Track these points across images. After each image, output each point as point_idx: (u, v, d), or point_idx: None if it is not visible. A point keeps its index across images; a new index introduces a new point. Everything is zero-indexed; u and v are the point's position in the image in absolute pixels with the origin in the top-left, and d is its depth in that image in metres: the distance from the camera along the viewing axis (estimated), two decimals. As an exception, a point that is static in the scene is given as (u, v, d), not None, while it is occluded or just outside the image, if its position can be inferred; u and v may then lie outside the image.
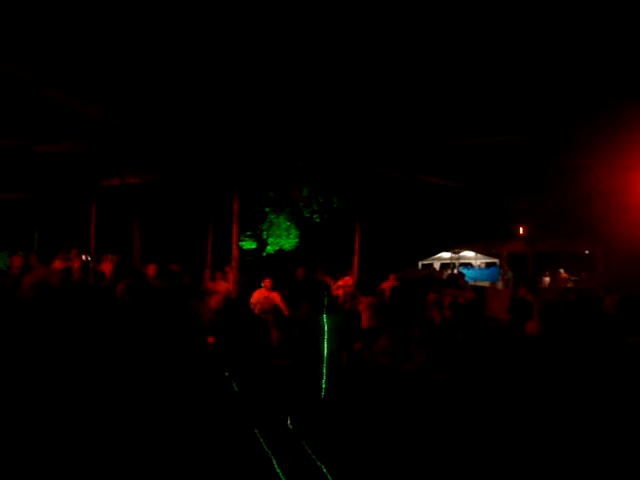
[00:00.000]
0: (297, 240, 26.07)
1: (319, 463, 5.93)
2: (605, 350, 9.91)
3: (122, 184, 14.83)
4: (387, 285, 13.70)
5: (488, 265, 32.04)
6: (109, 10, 11.78)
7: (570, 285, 23.46)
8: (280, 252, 26.03)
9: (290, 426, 6.76)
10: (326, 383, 7.24)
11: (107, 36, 11.93)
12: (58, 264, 10.99)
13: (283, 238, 25.90)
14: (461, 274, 17.97)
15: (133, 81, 12.93)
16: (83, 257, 14.81)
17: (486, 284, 25.00)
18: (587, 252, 26.21)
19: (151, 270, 10.84)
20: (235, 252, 13.86)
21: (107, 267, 14.12)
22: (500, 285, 25.02)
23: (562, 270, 26.45)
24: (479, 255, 32.44)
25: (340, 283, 14.02)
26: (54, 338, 7.10)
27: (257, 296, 12.36)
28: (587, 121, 13.29)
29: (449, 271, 28.21)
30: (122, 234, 21.02)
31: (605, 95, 12.91)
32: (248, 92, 14.41)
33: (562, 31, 13.55)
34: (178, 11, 12.74)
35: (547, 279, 26.08)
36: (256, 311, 12.09)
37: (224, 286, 14.21)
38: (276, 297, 11.83)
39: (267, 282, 12.20)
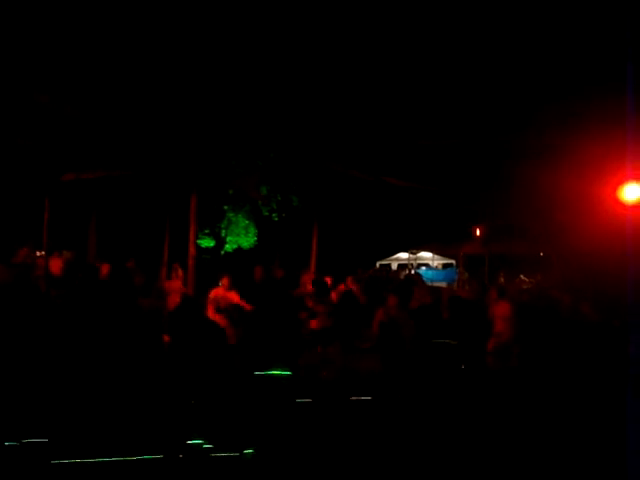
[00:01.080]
0: (256, 239, 25.96)
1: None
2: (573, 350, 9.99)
3: (77, 179, 14.58)
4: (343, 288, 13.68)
5: (445, 266, 32.40)
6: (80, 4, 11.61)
7: (526, 287, 23.79)
8: (238, 250, 25.89)
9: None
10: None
11: (67, 25, 11.74)
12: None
13: (242, 236, 25.74)
14: (418, 275, 18.10)
15: (94, 75, 12.73)
16: (38, 253, 14.49)
17: (443, 285, 25.24)
18: (542, 254, 26.65)
19: (105, 269, 10.73)
20: (192, 250, 13.75)
21: (56, 263, 13.83)
22: (456, 286, 25.28)
23: (522, 275, 26.82)
24: (436, 256, 32.78)
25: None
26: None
27: (215, 293, 12.29)
28: (543, 124, 13.51)
29: (406, 271, 28.43)
30: (77, 231, 20.66)
31: (560, 98, 13.13)
32: (208, 89, 14.31)
33: (514, 33, 13.76)
34: (144, 5, 12.61)
35: (502, 280, 26.43)
36: (212, 309, 12.02)
37: (179, 284, 14.10)
38: (234, 296, 11.77)
39: (225, 280, 12.13)
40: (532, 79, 14.26)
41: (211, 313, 11.68)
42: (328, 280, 13.82)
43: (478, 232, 24.43)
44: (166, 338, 9.09)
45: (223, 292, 11.96)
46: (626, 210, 6.87)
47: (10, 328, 6.98)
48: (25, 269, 10.95)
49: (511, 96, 14.86)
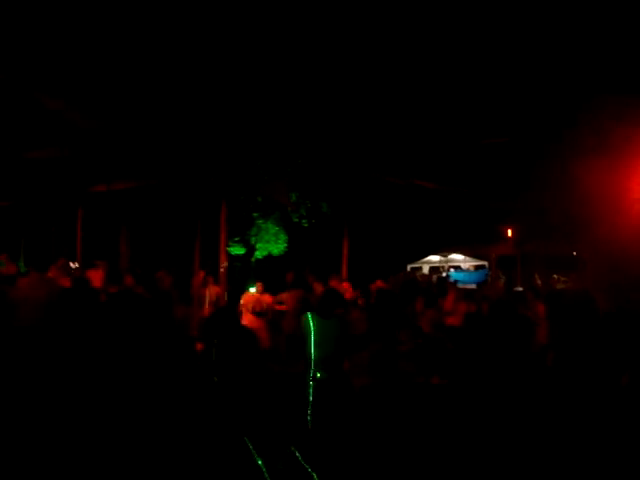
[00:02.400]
0: (285, 245, 25.99)
1: (310, 470, 5.87)
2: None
3: (108, 190, 14.73)
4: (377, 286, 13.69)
5: (477, 268, 32.11)
6: (97, 16, 11.70)
7: (560, 286, 23.47)
8: (269, 257, 25.93)
9: (281, 434, 6.67)
10: (313, 391, 7.14)
11: (93, 43, 11.86)
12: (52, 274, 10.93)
13: (272, 243, 25.80)
14: (449, 280, 17.97)
15: (120, 87, 12.84)
16: (71, 265, 14.67)
17: (474, 287, 25.02)
18: (575, 254, 26.27)
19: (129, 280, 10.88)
20: (223, 258, 13.79)
21: (97, 275, 14.01)
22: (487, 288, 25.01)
23: (555, 276, 26.46)
24: (468, 258, 32.52)
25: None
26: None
27: (247, 298, 12.38)
28: (575, 123, 13.31)
29: (438, 275, 28.26)
30: (109, 241, 20.86)
31: (592, 98, 12.93)
32: (236, 97, 14.35)
33: (547, 33, 13.59)
34: (165, 17, 12.68)
35: (538, 281, 26.08)
36: (246, 312, 12.11)
37: (214, 291, 14.19)
38: (268, 298, 11.92)
39: (259, 285, 12.33)
40: (567, 78, 14.07)
41: (245, 317, 11.78)
42: (345, 285, 13.86)
43: (510, 233, 24.20)
44: (199, 346, 9.11)
45: (258, 296, 12.14)
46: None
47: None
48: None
49: (544, 96, 14.67)
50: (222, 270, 13.65)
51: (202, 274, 14.48)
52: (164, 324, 8.18)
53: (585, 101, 12.93)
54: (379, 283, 13.87)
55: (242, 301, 12.40)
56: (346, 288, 13.89)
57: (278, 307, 12.50)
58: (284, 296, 12.59)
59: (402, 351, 9.29)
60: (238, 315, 11.23)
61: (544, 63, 14.33)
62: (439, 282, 19.49)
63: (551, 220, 17.98)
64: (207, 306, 13.82)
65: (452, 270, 31.64)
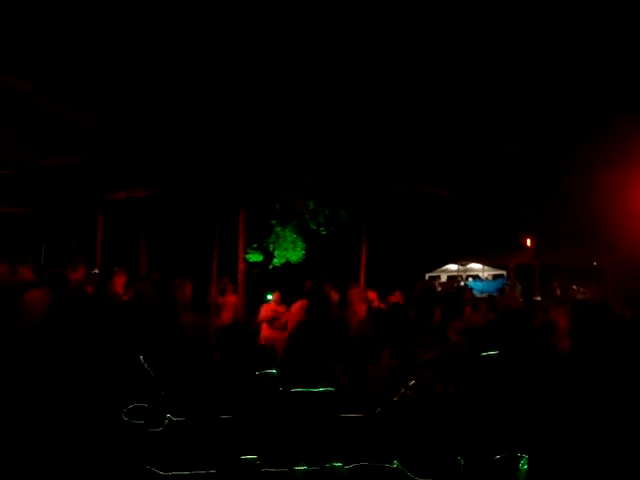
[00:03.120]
0: (304, 252, 26.02)
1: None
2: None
3: (128, 197, 14.84)
4: (394, 300, 13.62)
5: (495, 277, 31.96)
6: (111, 23, 11.82)
7: (580, 297, 23.29)
8: (287, 265, 25.97)
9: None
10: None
11: (111, 48, 11.97)
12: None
13: (290, 251, 25.85)
14: (467, 288, 17.89)
15: (141, 94, 12.95)
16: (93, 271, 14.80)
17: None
18: (595, 264, 26.07)
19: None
20: (241, 265, 13.82)
21: (120, 280, 14.16)
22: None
23: (574, 286, 26.23)
24: (486, 267, 32.37)
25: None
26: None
27: (265, 310, 12.29)
28: (596, 133, 13.24)
29: (455, 284, 28.15)
30: (129, 247, 21.01)
31: (614, 108, 12.86)
32: (255, 105, 14.42)
33: (567, 45, 13.53)
34: (182, 22, 12.78)
35: (558, 291, 25.88)
36: (265, 326, 12.02)
37: (233, 300, 14.22)
38: (283, 309, 11.82)
39: (276, 295, 12.21)
40: (585, 89, 14.00)
41: (264, 330, 11.71)
42: (372, 295, 13.77)
43: (529, 242, 24.06)
44: (217, 356, 9.13)
45: (274, 307, 12.04)
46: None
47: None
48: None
49: (565, 106, 14.60)
50: (240, 277, 13.69)
51: (224, 281, 14.54)
52: (167, 330, 8.21)
53: (606, 111, 12.86)
54: (397, 295, 13.82)
55: (260, 314, 12.34)
56: (373, 298, 13.76)
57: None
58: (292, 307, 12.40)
59: (423, 360, 9.25)
60: (252, 333, 11.15)
61: (565, 71, 14.28)
62: (456, 291, 19.43)
63: (571, 230, 17.89)
64: (225, 314, 13.90)
65: (470, 279, 31.52)
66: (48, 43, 10.73)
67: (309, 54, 14.57)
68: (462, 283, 27.27)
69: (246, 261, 15.37)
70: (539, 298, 19.80)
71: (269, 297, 13.14)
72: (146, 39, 11.85)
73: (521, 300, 17.11)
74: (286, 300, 12.93)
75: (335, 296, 14.42)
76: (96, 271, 13.85)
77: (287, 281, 20.35)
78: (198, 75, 13.32)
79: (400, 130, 17.22)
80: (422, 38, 14.55)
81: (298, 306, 10.93)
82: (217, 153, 14.05)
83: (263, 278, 23.36)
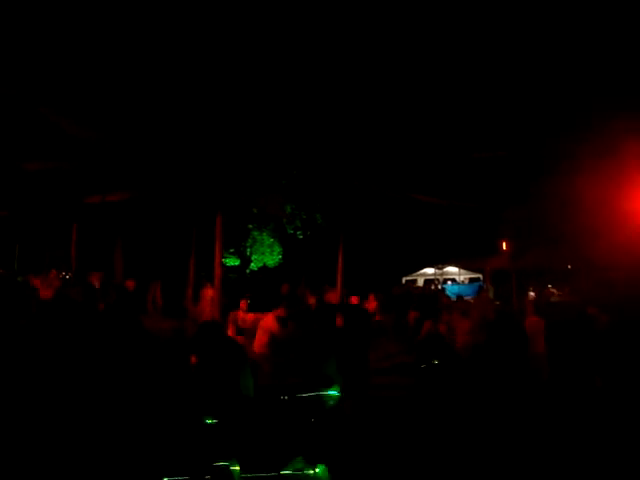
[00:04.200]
0: (281, 257, 26.00)
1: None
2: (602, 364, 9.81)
3: (103, 202, 14.71)
4: (368, 306, 13.64)
5: (471, 280, 32.12)
6: (95, 29, 11.75)
7: (554, 299, 23.49)
8: (264, 269, 25.92)
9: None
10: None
11: (91, 55, 11.90)
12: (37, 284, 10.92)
13: (267, 255, 25.81)
14: (443, 291, 17.96)
15: (117, 99, 12.86)
16: (63, 274, 14.65)
17: (469, 299, 24.98)
18: (570, 267, 26.31)
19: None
20: (218, 271, 13.74)
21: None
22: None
23: (550, 285, 26.43)
24: (462, 270, 32.53)
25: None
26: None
27: (232, 319, 12.24)
28: (573, 139, 13.39)
29: (432, 286, 28.24)
30: (104, 251, 20.82)
31: (589, 111, 13.02)
32: (230, 109, 14.37)
33: (547, 47, 13.69)
34: (161, 30, 12.74)
35: (532, 294, 26.04)
36: (232, 329, 11.99)
37: (210, 293, 14.27)
38: (251, 317, 11.75)
39: (243, 303, 12.20)
40: (562, 92, 14.16)
41: (231, 333, 11.65)
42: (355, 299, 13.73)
43: (505, 246, 24.21)
44: (193, 359, 9.07)
45: (242, 314, 12.03)
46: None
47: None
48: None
49: (538, 110, 14.76)
50: (217, 282, 13.62)
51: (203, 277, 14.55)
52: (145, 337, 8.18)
53: (584, 117, 13.02)
54: (371, 299, 13.87)
55: (229, 319, 12.33)
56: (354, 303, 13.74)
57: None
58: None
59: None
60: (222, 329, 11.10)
61: (544, 79, 14.43)
62: (432, 294, 19.53)
63: (545, 233, 18.06)
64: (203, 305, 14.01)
65: (449, 283, 31.66)
66: (29, 47, 10.65)
67: (288, 60, 14.59)
68: (439, 287, 27.37)
69: (223, 265, 15.30)
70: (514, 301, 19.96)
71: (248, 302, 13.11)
72: (123, 46, 11.80)
73: (496, 303, 17.19)
74: (262, 304, 12.89)
75: (312, 300, 14.42)
76: (70, 275, 13.73)
77: (264, 285, 20.31)
78: (176, 81, 13.28)
79: (376, 135, 17.28)
80: (408, 44, 14.65)
81: (271, 317, 10.82)
82: (194, 157, 13.98)
83: (240, 282, 23.27)
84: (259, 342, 10.57)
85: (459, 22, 14.33)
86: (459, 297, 16.75)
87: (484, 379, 9.67)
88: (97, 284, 13.68)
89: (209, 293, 14.17)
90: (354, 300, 12.67)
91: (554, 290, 26.08)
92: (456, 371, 9.44)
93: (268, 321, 10.71)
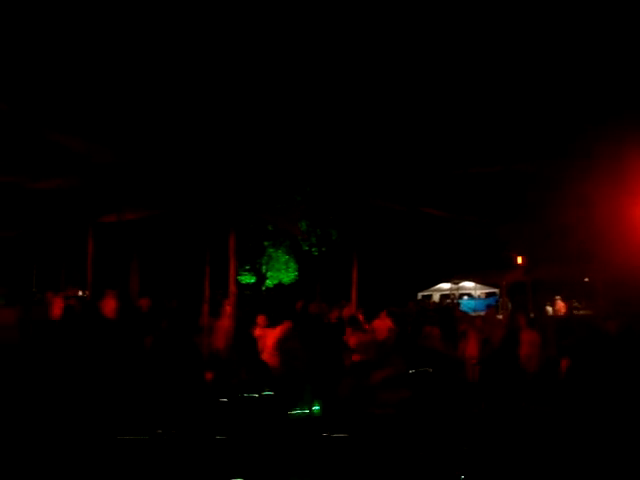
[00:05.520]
0: (296, 273, 26.04)
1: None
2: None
3: (119, 220, 14.81)
4: (379, 323, 13.54)
5: (488, 295, 31.95)
6: (101, 48, 11.89)
7: (568, 313, 23.27)
8: (279, 286, 25.96)
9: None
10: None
11: (98, 70, 12.03)
12: (58, 302, 11.03)
13: (282, 272, 25.88)
14: (456, 305, 17.88)
15: (131, 118, 12.98)
16: (80, 293, 14.73)
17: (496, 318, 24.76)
18: (587, 280, 26.09)
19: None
20: (233, 287, 13.75)
21: (109, 304, 14.08)
22: (501, 316, 24.83)
23: (558, 297, 26.13)
24: (479, 285, 32.37)
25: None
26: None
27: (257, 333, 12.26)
28: (587, 150, 13.34)
29: (448, 301, 28.15)
30: (120, 270, 20.96)
31: (599, 120, 12.98)
32: (244, 125, 14.47)
33: (550, 59, 13.70)
34: (172, 43, 12.88)
35: (550, 308, 25.79)
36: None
37: (228, 322, 14.17)
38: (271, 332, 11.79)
39: (261, 319, 12.21)
40: (569, 104, 14.14)
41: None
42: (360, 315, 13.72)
43: (520, 260, 24.11)
44: (208, 376, 9.11)
45: (260, 330, 12.03)
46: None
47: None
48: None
49: (550, 122, 14.74)
50: (232, 299, 13.63)
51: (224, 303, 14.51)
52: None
53: (597, 128, 12.98)
54: (383, 316, 13.83)
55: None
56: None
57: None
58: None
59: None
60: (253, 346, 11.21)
61: (556, 91, 14.43)
62: (446, 310, 19.47)
63: (561, 247, 17.96)
64: (220, 337, 13.90)
65: (465, 298, 31.51)
66: (33, 66, 10.79)
67: (298, 76, 14.68)
68: (455, 301, 27.25)
69: (238, 282, 15.34)
70: (532, 315, 19.79)
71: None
72: (131, 61, 11.92)
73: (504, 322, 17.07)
74: (278, 321, 12.90)
75: (334, 314, 14.44)
76: (87, 293, 13.79)
77: (279, 302, 20.32)
78: (190, 100, 13.39)
79: (391, 150, 17.32)
80: (416, 57, 14.72)
81: (280, 328, 11.15)
82: (207, 173, 14.06)
83: (256, 299, 23.30)
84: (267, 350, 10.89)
85: (458, 40, 14.42)
86: (466, 314, 16.76)
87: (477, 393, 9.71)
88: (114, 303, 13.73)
89: (229, 310, 14.18)
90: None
91: (565, 303, 25.76)
92: (449, 381, 9.47)
93: (276, 331, 11.06)
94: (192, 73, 12.91)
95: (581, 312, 23.91)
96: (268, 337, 11.21)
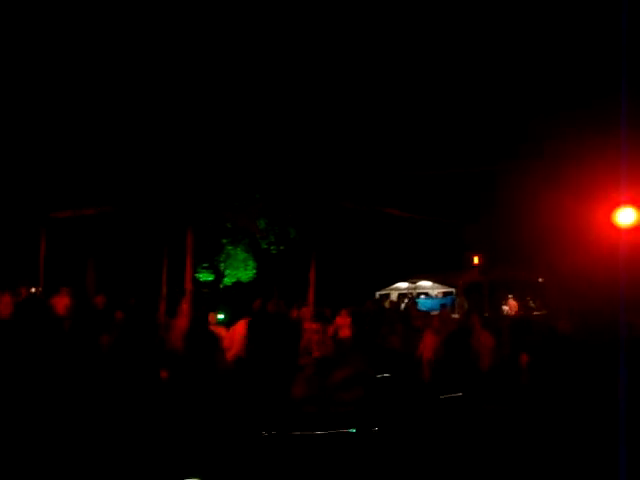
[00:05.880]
0: (255, 272, 25.96)
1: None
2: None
3: (74, 216, 14.63)
4: (340, 321, 13.64)
5: (445, 294, 32.24)
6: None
7: (521, 312, 23.62)
8: (238, 284, 25.85)
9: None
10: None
11: (58, 63, 11.86)
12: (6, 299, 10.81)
13: (240, 270, 25.75)
14: (414, 304, 18.03)
15: (88, 112, 12.81)
16: (32, 290, 14.45)
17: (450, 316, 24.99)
18: (540, 280, 26.58)
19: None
20: (189, 285, 13.71)
21: (62, 301, 13.88)
22: (457, 316, 25.09)
23: (511, 296, 26.49)
24: (436, 284, 32.64)
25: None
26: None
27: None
28: (538, 151, 13.60)
29: (405, 300, 28.33)
30: (76, 267, 20.62)
31: (555, 125, 13.24)
32: (204, 122, 14.38)
33: (507, 62, 13.93)
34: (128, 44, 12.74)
35: (506, 307, 26.15)
36: None
37: (185, 321, 14.07)
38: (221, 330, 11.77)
39: (211, 317, 12.20)
40: (526, 107, 14.40)
41: None
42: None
43: (477, 260, 24.41)
44: (163, 374, 9.03)
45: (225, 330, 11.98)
46: (620, 234, 6.87)
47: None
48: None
49: (506, 125, 14.99)
50: (188, 297, 13.56)
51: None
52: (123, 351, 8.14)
53: (548, 129, 13.23)
54: (344, 314, 13.93)
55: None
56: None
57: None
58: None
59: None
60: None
61: (511, 94, 14.67)
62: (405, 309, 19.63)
63: (516, 247, 18.29)
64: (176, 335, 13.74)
65: (422, 297, 31.73)
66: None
67: (260, 74, 14.66)
68: (412, 301, 27.43)
69: (196, 280, 15.26)
70: (487, 314, 20.07)
71: (220, 317, 13.03)
72: (86, 54, 11.78)
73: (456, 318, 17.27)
74: (236, 319, 12.86)
75: (293, 314, 14.46)
76: (39, 290, 13.60)
77: (238, 300, 20.22)
78: (145, 95, 13.26)
79: (351, 151, 17.40)
80: (375, 62, 14.82)
81: (241, 325, 11.09)
82: (166, 172, 13.95)
83: (214, 297, 23.17)
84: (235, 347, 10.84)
85: (419, 44, 14.61)
86: (426, 312, 16.88)
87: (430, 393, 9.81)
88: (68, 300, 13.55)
89: (182, 323, 14.00)
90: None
91: (517, 302, 26.12)
92: (405, 385, 9.55)
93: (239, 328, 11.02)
94: (149, 70, 12.79)
95: (535, 312, 24.31)
96: (235, 334, 11.13)
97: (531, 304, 26.25)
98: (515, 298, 25.74)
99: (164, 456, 6.63)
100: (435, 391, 10.00)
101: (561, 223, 13.13)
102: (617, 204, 7.27)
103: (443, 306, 17.69)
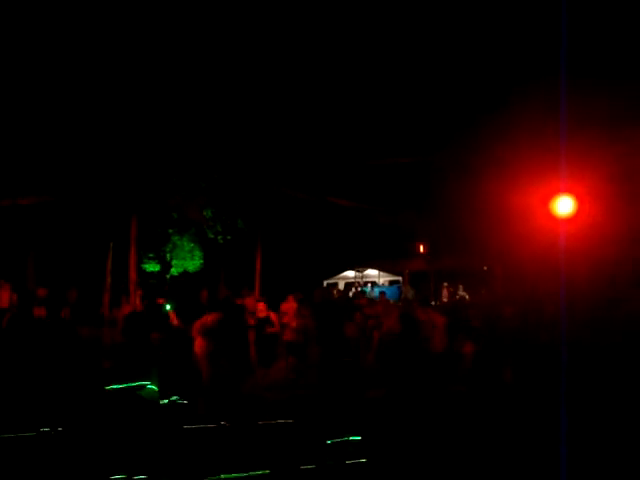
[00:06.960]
0: (202, 261, 25.75)
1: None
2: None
3: (13, 205, 14.26)
4: (287, 306, 13.74)
5: (391, 283, 32.60)
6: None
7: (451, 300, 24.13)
8: (184, 274, 25.62)
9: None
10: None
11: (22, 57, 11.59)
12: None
13: (187, 260, 25.52)
14: (362, 292, 18.27)
15: (30, 98, 12.50)
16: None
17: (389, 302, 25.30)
18: (485, 268, 27.08)
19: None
20: (133, 275, 13.53)
21: (4, 294, 13.62)
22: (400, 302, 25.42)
23: (445, 285, 27.01)
24: (382, 273, 32.98)
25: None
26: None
27: None
28: (477, 138, 13.81)
29: (353, 289, 28.56)
30: (16, 259, 20.12)
31: (492, 113, 13.46)
32: (148, 109, 14.17)
33: (439, 53, 14.14)
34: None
35: (445, 295, 26.65)
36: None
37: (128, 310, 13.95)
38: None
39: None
40: (463, 93, 14.61)
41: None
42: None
43: (422, 249, 24.74)
44: (106, 365, 8.94)
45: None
46: (558, 224, 7.02)
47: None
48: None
49: (444, 113, 15.19)
50: (132, 287, 13.39)
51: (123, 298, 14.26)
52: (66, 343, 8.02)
53: (486, 117, 13.45)
54: (291, 300, 14.02)
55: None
56: (261, 308, 13.80)
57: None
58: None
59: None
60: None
61: (447, 81, 14.87)
62: (353, 297, 19.78)
63: (459, 237, 18.58)
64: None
65: (369, 285, 32.02)
66: None
67: (201, 62, 14.51)
68: (359, 289, 27.68)
69: (142, 270, 15.06)
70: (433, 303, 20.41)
71: (167, 307, 12.97)
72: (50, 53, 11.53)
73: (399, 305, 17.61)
74: (183, 310, 12.79)
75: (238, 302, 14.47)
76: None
77: (185, 290, 20.06)
78: (88, 80, 13.01)
79: (298, 140, 17.39)
80: (320, 53, 14.83)
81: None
82: (108, 158, 13.70)
83: (160, 288, 22.92)
84: None
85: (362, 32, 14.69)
86: (382, 293, 17.25)
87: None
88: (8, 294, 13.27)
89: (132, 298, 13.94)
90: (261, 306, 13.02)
91: (446, 291, 26.65)
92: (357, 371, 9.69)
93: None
94: (95, 58, 12.54)
95: (467, 298, 24.87)
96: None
97: (460, 292, 26.81)
98: (448, 287, 26.31)
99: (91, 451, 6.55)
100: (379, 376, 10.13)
101: (501, 212, 13.38)
102: (555, 192, 7.43)
103: (381, 294, 18.09)
